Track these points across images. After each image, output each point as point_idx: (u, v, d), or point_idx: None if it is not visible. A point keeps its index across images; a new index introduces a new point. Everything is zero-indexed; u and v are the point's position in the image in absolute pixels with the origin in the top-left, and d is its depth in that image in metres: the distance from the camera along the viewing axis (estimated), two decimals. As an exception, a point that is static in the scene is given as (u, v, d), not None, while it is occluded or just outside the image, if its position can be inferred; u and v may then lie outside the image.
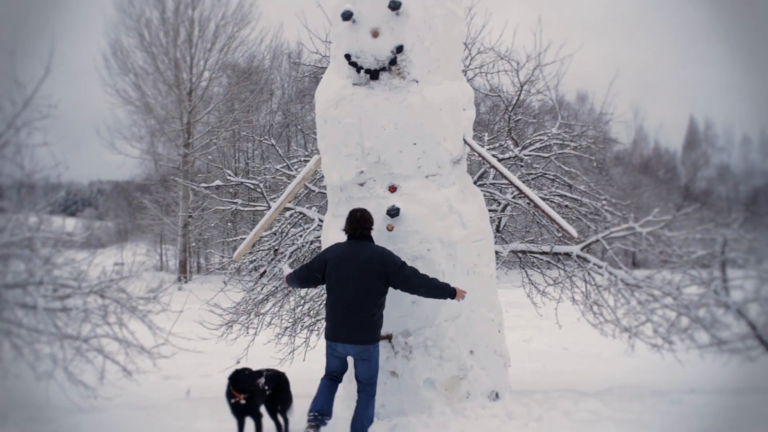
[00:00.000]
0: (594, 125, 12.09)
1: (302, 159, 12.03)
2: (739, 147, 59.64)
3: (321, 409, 6.70)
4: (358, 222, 6.80)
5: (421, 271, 6.91)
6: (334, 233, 7.50)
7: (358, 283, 6.59)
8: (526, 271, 12.24)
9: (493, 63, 11.97)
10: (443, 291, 6.70)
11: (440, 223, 7.13)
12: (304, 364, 11.32)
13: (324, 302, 11.21)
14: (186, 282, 34.79)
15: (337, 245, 6.93)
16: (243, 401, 7.14)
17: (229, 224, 39.56)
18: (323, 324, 11.56)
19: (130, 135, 39.05)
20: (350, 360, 7.00)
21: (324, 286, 7.31)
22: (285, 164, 11.42)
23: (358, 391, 6.83)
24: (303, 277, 7.01)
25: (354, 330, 6.60)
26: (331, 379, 6.89)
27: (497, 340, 7.67)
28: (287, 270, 7.48)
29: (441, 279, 7.03)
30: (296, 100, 42.18)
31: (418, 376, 7.19)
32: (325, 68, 12.49)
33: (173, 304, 9.23)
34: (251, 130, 40.07)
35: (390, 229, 7.11)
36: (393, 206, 7.09)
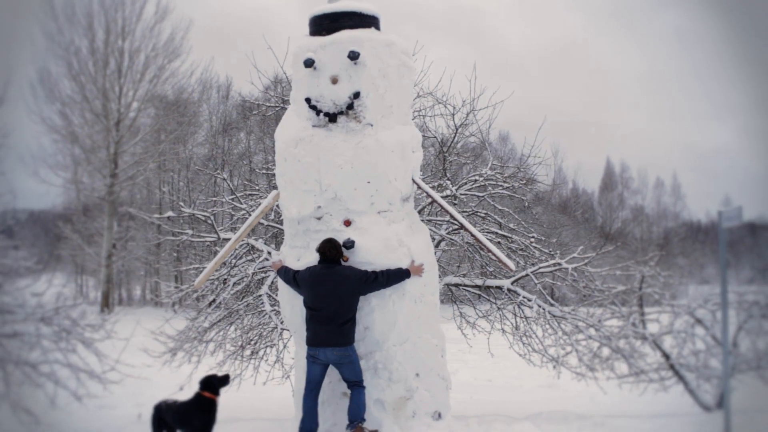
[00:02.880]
0: (520, 167, 12.88)
1: (248, 193, 12.49)
2: (653, 190, 62.25)
3: (310, 429, 7.57)
4: (336, 248, 7.62)
5: (373, 300, 7.72)
6: (291, 262, 8.05)
7: (337, 297, 7.47)
8: (456, 305, 12.89)
9: (431, 107, 12.71)
10: (403, 275, 7.70)
11: (391, 255, 7.73)
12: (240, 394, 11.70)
13: (260, 330, 11.66)
14: (109, 314, 34.44)
15: (313, 267, 7.70)
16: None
17: (152, 257, 39.52)
18: (266, 353, 11.99)
19: (55, 163, 38.63)
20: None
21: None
22: (234, 197, 11.86)
23: (350, 388, 7.62)
24: (290, 277, 7.87)
25: (334, 335, 7.45)
26: (312, 394, 7.64)
27: (440, 364, 8.31)
28: (276, 258, 8.34)
29: (391, 307, 7.76)
30: (223, 133, 42.46)
31: (368, 397, 7.75)
32: (269, 105, 13.11)
33: (118, 332, 9.52)
34: (178, 162, 40.17)
35: (345, 260, 7.71)
36: (348, 239, 7.70)
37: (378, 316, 7.73)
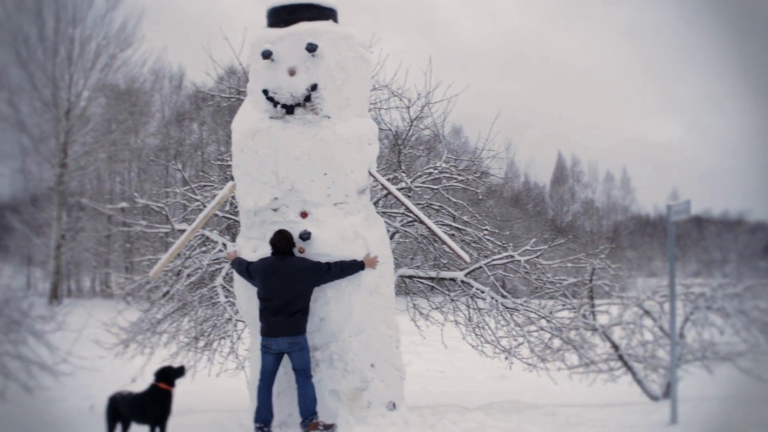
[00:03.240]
0: (473, 159, 13.00)
1: (202, 184, 12.43)
2: (603, 183, 63.19)
3: (265, 419, 7.62)
4: (287, 240, 7.68)
5: (329, 292, 7.79)
6: (247, 253, 8.06)
7: (290, 288, 7.52)
8: (410, 297, 12.99)
9: (386, 99, 12.76)
10: (357, 267, 7.79)
11: (347, 246, 7.79)
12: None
13: (214, 321, 11.65)
14: (58, 305, 33.94)
15: (266, 259, 7.74)
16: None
17: (103, 248, 39.02)
18: (220, 345, 11.97)
19: (1, 152, 37.83)
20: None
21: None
22: (189, 188, 11.81)
23: (297, 380, 7.64)
24: (243, 268, 7.90)
25: (287, 325, 7.51)
26: (266, 384, 7.67)
27: (395, 355, 8.39)
28: (231, 248, 8.45)
29: (347, 298, 7.83)
30: (176, 123, 42.10)
31: (324, 388, 7.82)
32: (224, 96, 13.05)
33: (70, 324, 9.45)
34: (130, 152, 39.69)
35: (302, 251, 7.74)
36: (305, 231, 7.73)
37: (334, 308, 7.79)
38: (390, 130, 13.02)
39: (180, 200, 12.33)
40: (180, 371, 8.30)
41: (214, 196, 11.15)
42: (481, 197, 12.76)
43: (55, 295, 35.83)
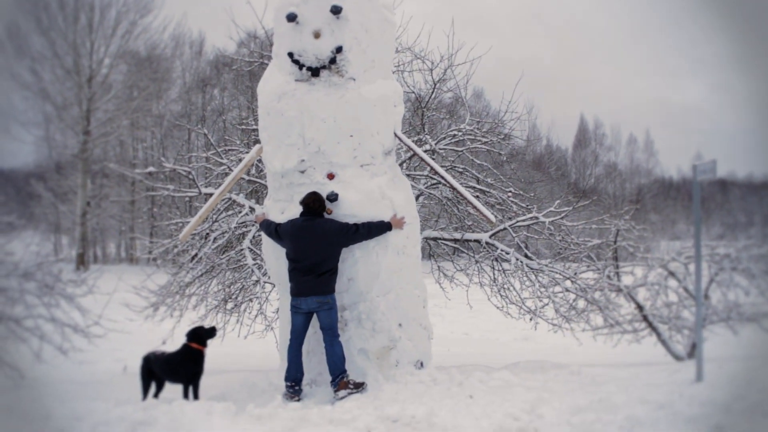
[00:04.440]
0: (496, 122, 12.99)
1: (227, 148, 12.50)
2: (626, 146, 62.66)
3: (296, 378, 7.80)
4: (320, 201, 7.78)
5: (356, 252, 7.91)
6: (274, 215, 8.16)
7: (319, 249, 7.64)
8: (435, 259, 13.07)
9: (409, 62, 12.74)
10: (384, 228, 7.90)
11: (374, 207, 7.87)
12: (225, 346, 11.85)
13: (242, 284, 11.79)
14: (84, 272, 34.36)
15: (295, 220, 7.84)
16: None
17: (127, 214, 39.38)
18: (247, 308, 12.12)
19: (26, 120, 38.10)
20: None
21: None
22: (215, 152, 11.89)
23: (324, 339, 7.78)
24: (272, 230, 8.03)
25: (317, 285, 7.64)
26: (296, 343, 7.83)
27: (422, 315, 8.51)
28: (259, 211, 8.55)
29: (374, 259, 7.93)
30: (197, 89, 42.16)
31: (353, 347, 7.96)
32: (245, 60, 13.08)
33: (99, 288, 9.59)
34: (152, 119, 39.86)
35: (329, 212, 7.83)
36: (332, 192, 7.83)
37: (362, 268, 7.89)
38: (413, 92, 13.01)
39: (205, 164, 12.43)
40: (211, 332, 8.51)
41: (240, 159, 11.25)
42: (505, 159, 12.76)
43: (82, 262, 36.27)
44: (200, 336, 8.37)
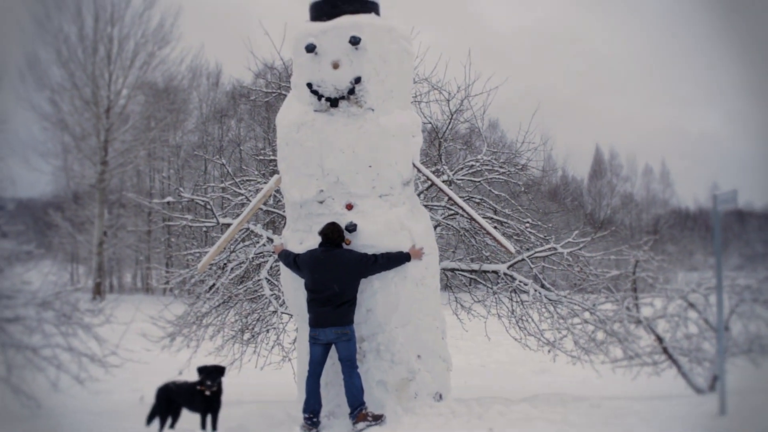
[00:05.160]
0: (513, 152, 12.98)
1: (245, 179, 12.54)
2: (642, 177, 62.44)
3: (314, 410, 7.73)
4: (338, 231, 7.78)
5: (375, 283, 7.86)
6: (293, 245, 8.14)
7: (337, 279, 7.60)
8: (452, 290, 13.01)
9: (426, 93, 12.79)
10: (403, 259, 7.86)
11: (392, 238, 7.84)
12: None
13: (259, 314, 11.76)
14: (101, 301, 34.41)
15: (313, 251, 7.83)
16: (208, 393, 8.04)
17: (143, 244, 39.49)
18: (264, 339, 12.08)
19: (45, 151, 38.41)
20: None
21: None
22: (233, 182, 11.93)
23: (342, 371, 7.71)
24: (291, 260, 8.01)
25: (335, 316, 7.60)
26: (315, 375, 7.77)
27: (441, 346, 8.44)
28: (278, 241, 8.57)
29: (393, 290, 7.88)
30: (214, 120, 42.40)
31: (371, 378, 7.89)
32: (263, 90, 13.16)
33: (117, 318, 9.59)
34: (169, 149, 40.11)
35: (348, 243, 7.81)
36: (351, 222, 7.81)
37: (380, 299, 7.85)
38: (429, 123, 13.04)
39: (223, 195, 12.47)
40: (212, 373, 8.44)
41: (257, 190, 11.27)
42: (522, 189, 12.74)
43: (98, 291, 36.34)
44: (202, 378, 8.34)
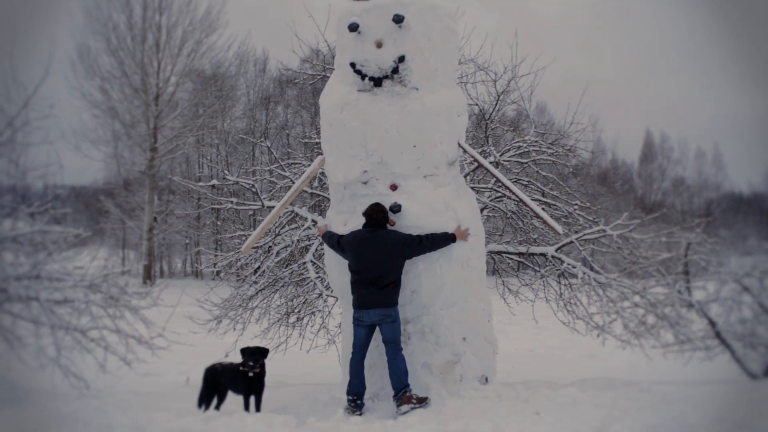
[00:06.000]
0: (561, 133, 12.76)
1: (290, 162, 12.53)
2: (694, 160, 61.27)
3: (357, 392, 7.69)
4: (383, 212, 7.71)
5: (420, 264, 7.77)
6: (337, 227, 8.09)
7: (382, 261, 7.55)
8: (499, 273, 12.86)
9: (472, 74, 12.62)
10: (448, 240, 7.76)
11: (437, 219, 7.74)
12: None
13: (304, 297, 11.76)
14: (151, 285, 34.87)
15: (357, 232, 7.77)
16: (251, 374, 8.06)
17: (192, 230, 39.92)
18: (310, 322, 12.09)
19: (96, 138, 38.95)
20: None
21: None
22: (278, 165, 11.92)
23: (387, 353, 7.64)
24: (335, 242, 7.97)
25: (379, 297, 7.54)
26: (359, 357, 7.74)
27: (487, 329, 8.32)
28: (322, 223, 8.52)
29: (438, 271, 7.77)
30: (261, 106, 42.64)
31: (416, 361, 7.81)
32: (310, 74, 13.10)
33: (164, 301, 9.64)
34: (217, 136, 40.44)
35: (392, 224, 7.73)
36: (395, 203, 7.73)
37: (425, 280, 7.76)
38: (476, 104, 12.87)
39: (268, 178, 12.46)
40: (255, 354, 8.44)
41: (303, 173, 11.24)
42: (571, 171, 12.52)
43: (148, 276, 36.86)
44: (245, 359, 8.35)
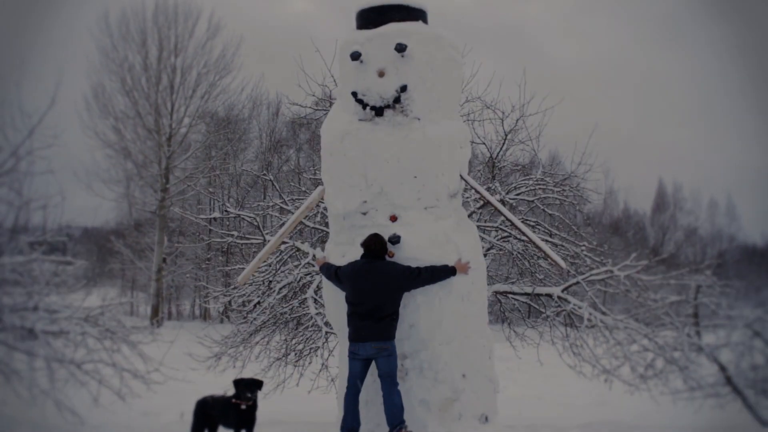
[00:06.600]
0: (569, 173, 12.64)
1: (295, 198, 12.43)
2: (706, 210, 60.92)
3: (351, 427, 7.45)
4: (381, 243, 7.52)
5: (418, 297, 7.56)
6: (335, 258, 7.92)
7: (379, 292, 7.34)
8: (505, 317, 12.64)
9: (479, 111, 12.55)
10: (449, 272, 7.54)
11: (437, 251, 7.56)
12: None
13: (304, 334, 11.57)
14: (159, 326, 34.67)
15: (355, 262, 7.59)
16: (244, 407, 7.88)
17: (201, 272, 39.82)
18: (310, 360, 11.88)
19: (108, 178, 39.09)
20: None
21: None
22: (283, 200, 11.82)
23: (382, 387, 7.40)
24: (332, 273, 7.78)
25: (375, 330, 7.30)
26: (353, 391, 7.50)
27: (488, 366, 8.06)
28: (320, 254, 8.30)
29: (437, 305, 7.55)
30: (273, 150, 42.76)
31: (413, 397, 7.56)
32: (319, 110, 13.07)
33: (163, 336, 9.49)
34: (228, 178, 40.54)
35: (391, 255, 7.55)
36: (395, 234, 7.55)
37: (424, 314, 7.55)
38: (483, 143, 12.78)
39: (270, 213, 12.35)
40: (250, 385, 8.29)
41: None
42: (585, 219, 12.38)
43: (156, 317, 36.66)
44: (238, 390, 8.17)
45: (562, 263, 8.05)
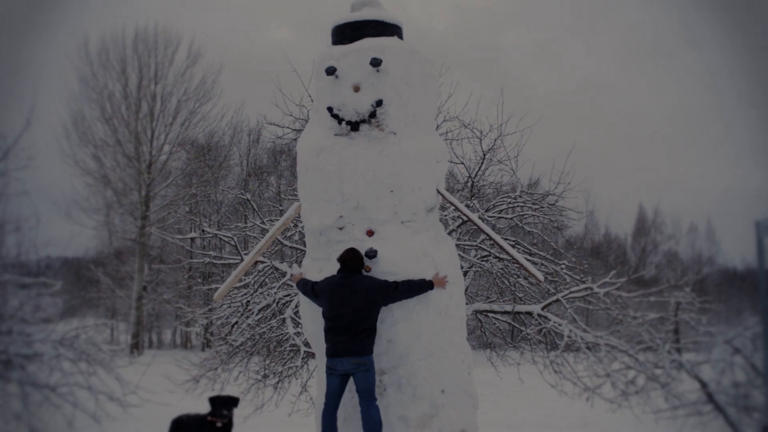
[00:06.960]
0: (548, 192, 12.66)
1: (274, 219, 12.36)
2: (687, 235, 61.20)
3: None
4: (357, 257, 7.46)
5: (396, 312, 7.50)
6: (312, 274, 7.85)
7: (356, 307, 7.27)
8: (489, 342, 12.59)
9: (457, 131, 12.57)
10: (426, 287, 7.45)
11: (415, 265, 7.50)
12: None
13: (282, 354, 11.46)
14: (138, 355, 34.29)
15: (331, 277, 7.53)
16: (219, 425, 7.80)
17: (183, 299, 39.51)
18: (289, 381, 11.75)
19: (88, 206, 38.86)
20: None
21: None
22: (261, 221, 11.75)
23: (360, 403, 7.33)
24: (309, 288, 7.68)
25: (353, 345, 7.25)
26: (331, 407, 7.42)
27: (467, 381, 7.98)
28: (296, 270, 8.15)
29: (415, 319, 7.49)
30: (254, 176, 42.65)
31: (392, 413, 7.47)
32: (299, 131, 13.04)
33: (139, 360, 9.36)
34: (209, 205, 40.39)
35: (368, 270, 7.49)
36: (371, 249, 7.50)
37: (401, 329, 7.48)
38: (462, 163, 12.79)
39: (251, 233, 12.28)
40: (226, 402, 8.23)
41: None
42: (557, 226, 12.37)
43: (136, 346, 36.29)
44: (214, 408, 8.08)
45: (540, 276, 8.01)
